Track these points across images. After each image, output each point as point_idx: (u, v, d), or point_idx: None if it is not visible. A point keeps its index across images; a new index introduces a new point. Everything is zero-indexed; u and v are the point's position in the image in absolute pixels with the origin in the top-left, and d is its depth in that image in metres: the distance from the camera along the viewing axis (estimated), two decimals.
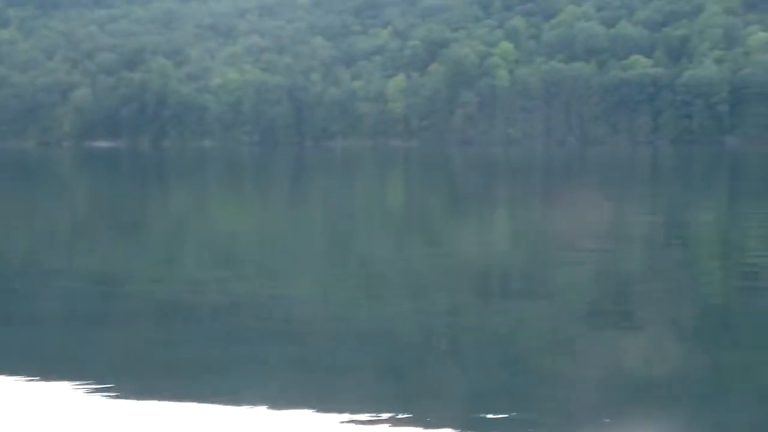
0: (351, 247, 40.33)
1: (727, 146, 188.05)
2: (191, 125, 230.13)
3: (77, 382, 17.63)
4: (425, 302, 26.86)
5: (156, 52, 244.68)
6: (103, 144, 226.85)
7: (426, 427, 15.34)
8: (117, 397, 16.92)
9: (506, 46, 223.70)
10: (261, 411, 16.12)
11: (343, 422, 15.58)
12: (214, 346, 21.11)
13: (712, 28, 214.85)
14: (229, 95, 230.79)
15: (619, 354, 20.55)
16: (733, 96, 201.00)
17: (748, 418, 16.20)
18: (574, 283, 30.44)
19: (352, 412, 16.01)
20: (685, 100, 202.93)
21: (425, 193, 76.76)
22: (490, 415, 16.01)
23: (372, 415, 15.87)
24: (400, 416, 15.84)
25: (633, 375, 18.77)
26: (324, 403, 16.39)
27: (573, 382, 18.61)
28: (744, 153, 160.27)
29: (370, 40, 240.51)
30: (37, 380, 17.98)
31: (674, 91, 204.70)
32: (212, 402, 16.49)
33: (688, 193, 75.07)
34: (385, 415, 15.87)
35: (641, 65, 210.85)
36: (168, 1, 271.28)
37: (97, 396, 16.95)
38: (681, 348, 21.17)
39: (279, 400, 16.61)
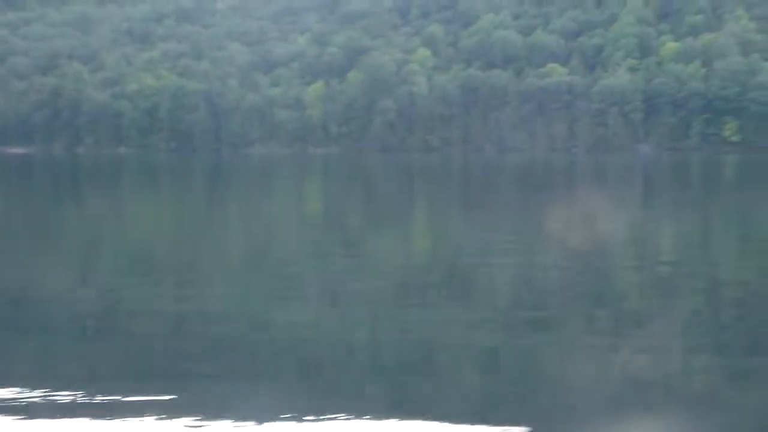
0: (267, 255, 40.01)
1: (641, 154, 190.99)
2: (106, 131, 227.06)
3: None
4: (343, 309, 26.71)
5: (71, 56, 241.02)
6: (16, 150, 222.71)
7: None
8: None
9: (424, 53, 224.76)
10: (180, 423, 15.87)
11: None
12: (126, 358, 20.74)
13: (626, 38, 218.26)
14: (146, 101, 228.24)
15: (538, 360, 20.63)
16: (646, 104, 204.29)
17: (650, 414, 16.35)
18: (493, 288, 30.52)
19: (271, 420, 15.85)
20: (601, 108, 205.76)
21: (343, 200, 76.59)
22: (405, 421, 15.96)
23: (289, 418, 15.72)
24: (317, 422, 15.71)
25: (551, 381, 18.84)
26: (245, 412, 16.19)
27: (491, 388, 18.63)
28: (657, 160, 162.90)
29: (288, 46, 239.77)
30: None
31: (590, 99, 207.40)
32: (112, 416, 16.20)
33: (604, 199, 75.96)
34: (306, 419, 15.74)
35: (557, 73, 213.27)
36: (84, 5, 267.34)
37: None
38: (597, 353, 21.32)
39: (198, 411, 16.36)
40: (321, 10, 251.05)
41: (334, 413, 16.23)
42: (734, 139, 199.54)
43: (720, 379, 19.38)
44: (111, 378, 18.71)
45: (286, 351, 21.44)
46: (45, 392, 17.38)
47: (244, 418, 15.88)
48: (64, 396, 17.19)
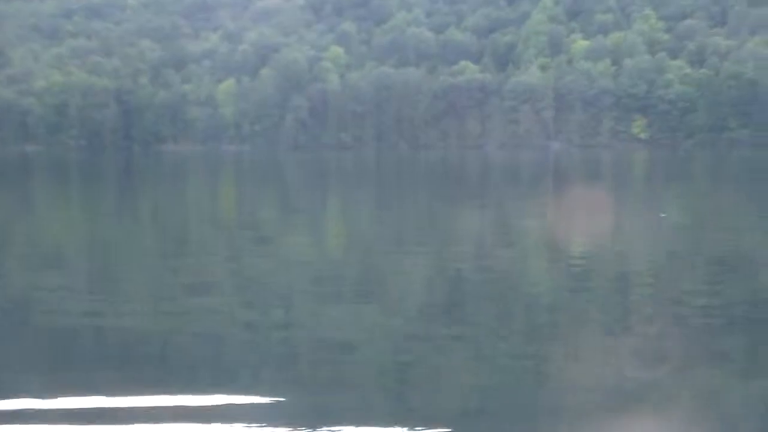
0: (180, 254, 39.33)
1: (552, 151, 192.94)
2: (13, 129, 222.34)
3: None
4: (257, 307, 26.30)
5: None
6: None
7: None
8: None
9: (337, 50, 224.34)
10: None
11: None
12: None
13: (538, 36, 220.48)
14: (54, 98, 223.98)
15: (451, 357, 20.45)
16: (557, 102, 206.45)
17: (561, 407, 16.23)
18: (406, 285, 30.33)
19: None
20: (512, 105, 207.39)
21: (256, 198, 75.90)
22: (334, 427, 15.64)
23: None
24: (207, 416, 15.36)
25: (463, 379, 18.67)
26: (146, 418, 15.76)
27: (407, 387, 18.38)
28: (568, 157, 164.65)
29: (200, 43, 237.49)
30: None
31: (502, 96, 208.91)
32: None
33: (518, 196, 76.37)
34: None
35: (470, 71, 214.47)
36: None
37: None
38: (508, 349, 21.21)
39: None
40: (234, 6, 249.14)
41: (247, 413, 15.85)
42: (643, 136, 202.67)
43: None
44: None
45: (193, 348, 20.97)
46: None
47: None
48: None
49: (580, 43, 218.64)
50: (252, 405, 16.63)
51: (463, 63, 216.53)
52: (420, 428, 15.47)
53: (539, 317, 25.19)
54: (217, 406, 16.54)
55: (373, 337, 22.48)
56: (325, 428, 15.47)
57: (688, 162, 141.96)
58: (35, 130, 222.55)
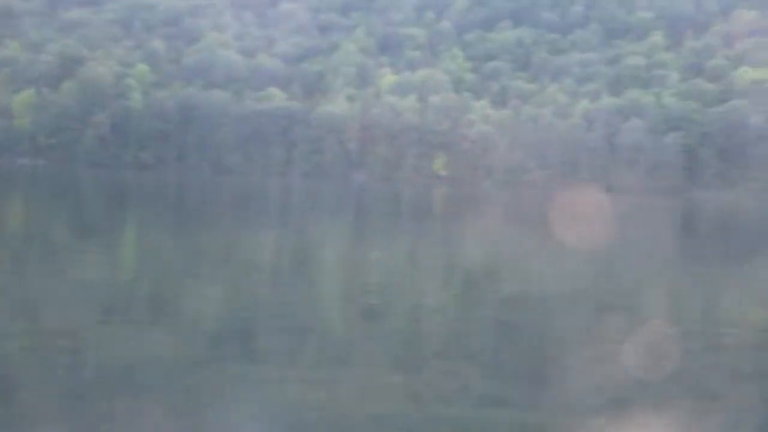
0: None
1: (355, 182, 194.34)
2: None
3: None
4: (40, 328, 24.83)
5: None
6: None
7: None
8: None
9: (143, 68, 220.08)
10: None
11: None
12: None
13: (347, 67, 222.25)
14: None
15: (241, 385, 19.70)
16: (363, 134, 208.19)
17: None
18: (198, 310, 29.45)
19: None
20: (318, 135, 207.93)
21: (47, 216, 73.10)
22: None
23: None
24: None
25: (249, 408, 17.96)
26: None
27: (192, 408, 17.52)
28: (369, 190, 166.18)
29: None
30: None
31: (308, 125, 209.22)
32: None
33: (316, 223, 76.13)
34: None
35: (277, 97, 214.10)
36: None
37: None
38: (298, 374, 20.62)
39: None
40: (39, 15, 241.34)
41: None
42: (443, 173, 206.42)
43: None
44: None
45: None
46: None
47: None
48: None
49: (389, 78, 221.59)
50: None
51: (271, 89, 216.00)
52: None
53: (328, 349, 24.65)
54: None
55: (158, 361, 21.47)
56: None
57: (473, 201, 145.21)
58: None
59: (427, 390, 21.10)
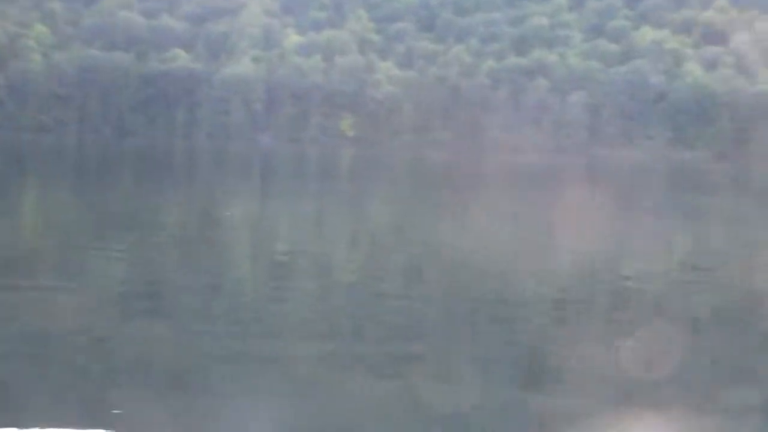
0: None
1: (261, 144, 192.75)
2: None
3: None
4: None
5: None
6: None
7: None
8: None
9: (42, 29, 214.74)
10: None
11: None
12: None
13: (251, 27, 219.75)
14: None
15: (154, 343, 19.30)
16: (268, 95, 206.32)
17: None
18: (105, 273, 28.84)
19: None
20: (223, 96, 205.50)
21: None
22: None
23: None
24: None
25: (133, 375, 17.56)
26: None
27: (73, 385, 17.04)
28: (275, 151, 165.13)
29: None
30: None
31: (212, 87, 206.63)
32: None
33: (223, 187, 75.23)
34: None
35: (181, 59, 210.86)
36: None
37: None
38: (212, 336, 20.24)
39: None
40: None
41: None
42: (350, 133, 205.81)
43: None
44: None
45: None
46: None
47: None
48: None
49: (294, 38, 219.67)
50: None
51: (174, 50, 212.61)
52: None
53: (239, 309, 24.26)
54: None
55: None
56: None
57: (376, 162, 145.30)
58: None
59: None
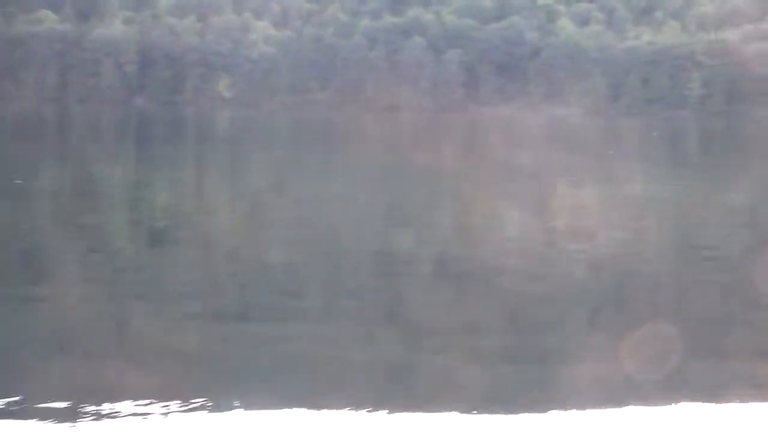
0: None
1: (136, 107, 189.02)
2: None
3: None
4: None
5: None
6: None
7: None
8: None
9: None
10: None
11: None
12: None
13: None
14: None
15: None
16: (141, 57, 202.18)
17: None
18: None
19: None
20: (94, 58, 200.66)
21: None
22: None
23: None
24: None
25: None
26: None
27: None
28: (152, 114, 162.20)
29: None
30: None
31: (83, 49, 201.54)
32: None
33: (102, 151, 73.45)
34: None
35: (50, 20, 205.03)
36: None
37: None
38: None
39: None
40: None
41: None
42: (227, 95, 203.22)
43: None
44: None
45: None
46: None
47: None
48: None
49: None
50: None
51: (42, 12, 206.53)
52: None
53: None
54: None
55: None
56: None
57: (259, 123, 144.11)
58: None
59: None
